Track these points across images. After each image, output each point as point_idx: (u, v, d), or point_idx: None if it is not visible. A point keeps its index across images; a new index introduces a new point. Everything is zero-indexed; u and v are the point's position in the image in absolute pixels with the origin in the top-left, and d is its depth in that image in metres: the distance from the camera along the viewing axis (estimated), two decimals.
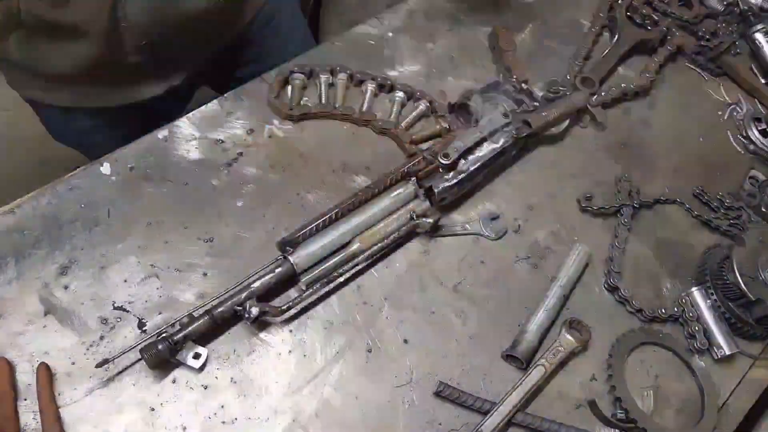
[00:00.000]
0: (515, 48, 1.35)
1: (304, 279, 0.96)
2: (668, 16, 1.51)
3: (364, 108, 1.20)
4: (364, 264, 1.01)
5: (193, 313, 0.90)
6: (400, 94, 1.23)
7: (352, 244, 0.99)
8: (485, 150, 1.11)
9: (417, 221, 1.04)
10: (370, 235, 1.01)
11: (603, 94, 1.33)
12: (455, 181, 1.08)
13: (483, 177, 1.14)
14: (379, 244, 1.01)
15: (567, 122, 1.25)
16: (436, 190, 1.06)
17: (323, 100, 1.19)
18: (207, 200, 1.04)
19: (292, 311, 0.96)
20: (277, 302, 0.97)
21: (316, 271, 0.97)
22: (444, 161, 1.07)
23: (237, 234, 1.02)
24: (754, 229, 1.23)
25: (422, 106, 1.22)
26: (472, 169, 1.09)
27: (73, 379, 0.86)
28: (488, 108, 1.17)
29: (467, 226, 1.12)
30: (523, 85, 1.24)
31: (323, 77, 1.21)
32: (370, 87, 1.22)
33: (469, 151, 1.10)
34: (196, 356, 0.88)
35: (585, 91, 1.29)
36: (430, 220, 1.05)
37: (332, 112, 1.18)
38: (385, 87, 1.23)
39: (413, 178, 1.07)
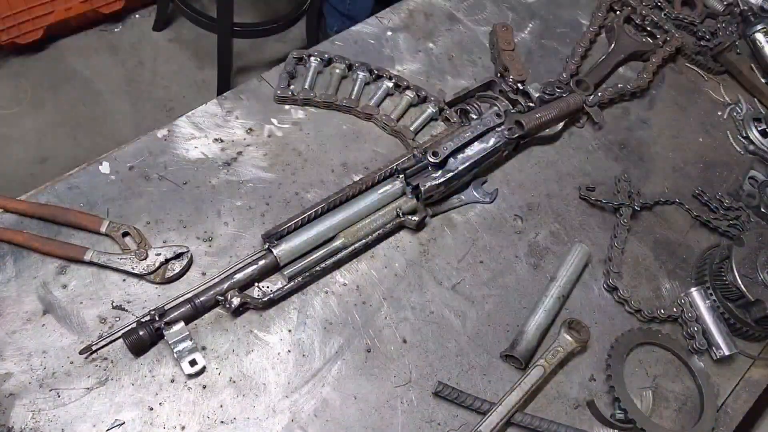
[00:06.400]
0: (514, 47, 1.35)
1: (287, 271, 0.97)
2: (670, 18, 1.51)
3: (372, 102, 1.20)
4: (347, 258, 1.02)
5: (176, 302, 0.91)
6: (410, 94, 1.22)
7: (336, 239, 1.01)
8: (475, 149, 1.12)
9: (403, 218, 1.05)
10: (355, 230, 1.02)
11: (599, 94, 1.33)
12: (443, 179, 1.08)
13: (472, 176, 1.14)
14: (363, 240, 1.02)
15: (562, 124, 1.25)
16: (423, 188, 1.07)
17: (331, 90, 1.20)
18: (206, 199, 1.04)
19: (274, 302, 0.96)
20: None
21: (299, 264, 0.98)
22: (433, 159, 1.08)
23: (236, 233, 1.02)
24: (754, 229, 1.23)
25: (430, 108, 1.22)
26: (460, 168, 1.10)
27: (71, 378, 0.86)
28: (484, 107, 1.17)
29: (462, 197, 1.13)
30: (519, 85, 1.24)
31: (339, 68, 1.22)
32: (386, 84, 1.22)
33: (459, 149, 1.10)
34: (193, 363, 0.88)
35: (580, 93, 1.29)
36: (416, 218, 1.05)
37: (336, 102, 1.18)
38: (401, 87, 1.23)
39: (401, 176, 1.07)
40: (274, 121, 1.15)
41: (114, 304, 0.92)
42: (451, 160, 1.10)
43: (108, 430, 0.83)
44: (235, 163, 1.09)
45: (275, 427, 0.88)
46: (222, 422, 0.87)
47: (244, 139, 1.12)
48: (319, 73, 1.22)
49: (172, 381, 0.88)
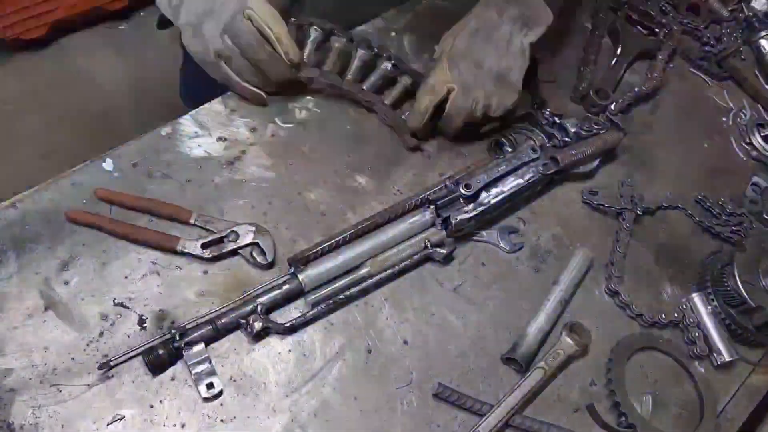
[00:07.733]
0: (555, 79, 1.30)
1: (311, 298, 0.96)
2: (675, 20, 1.51)
3: (370, 83, 1.18)
4: (372, 288, 1.00)
5: (197, 322, 0.90)
6: (406, 80, 1.20)
7: (362, 268, 0.99)
8: (509, 184, 1.09)
9: (431, 250, 1.03)
10: (382, 260, 1.00)
11: (621, 101, 1.32)
12: (474, 213, 1.06)
13: (503, 211, 1.12)
14: (390, 270, 1.00)
15: (598, 161, 1.23)
16: (453, 221, 1.04)
17: (329, 66, 1.16)
18: (209, 198, 1.04)
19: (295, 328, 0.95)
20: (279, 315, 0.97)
21: (323, 291, 0.96)
22: (465, 192, 1.06)
23: None
24: (756, 235, 1.23)
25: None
26: (493, 202, 1.07)
27: (72, 375, 0.86)
28: (519, 140, 1.16)
29: (484, 233, 1.11)
30: (556, 119, 1.20)
31: (339, 42, 1.17)
32: (384, 64, 1.19)
33: (493, 183, 1.08)
34: (210, 386, 0.87)
35: (618, 132, 1.24)
36: (444, 251, 1.03)
37: (341, 86, 1.15)
38: (399, 69, 1.20)
39: (432, 206, 1.05)
40: (278, 120, 1.16)
41: (116, 301, 0.92)
42: (484, 193, 1.07)
43: (108, 424, 0.83)
44: (239, 162, 1.09)
45: (275, 427, 0.88)
46: (222, 420, 0.87)
47: (248, 138, 1.12)
48: (317, 47, 1.18)
49: (173, 379, 0.88)
